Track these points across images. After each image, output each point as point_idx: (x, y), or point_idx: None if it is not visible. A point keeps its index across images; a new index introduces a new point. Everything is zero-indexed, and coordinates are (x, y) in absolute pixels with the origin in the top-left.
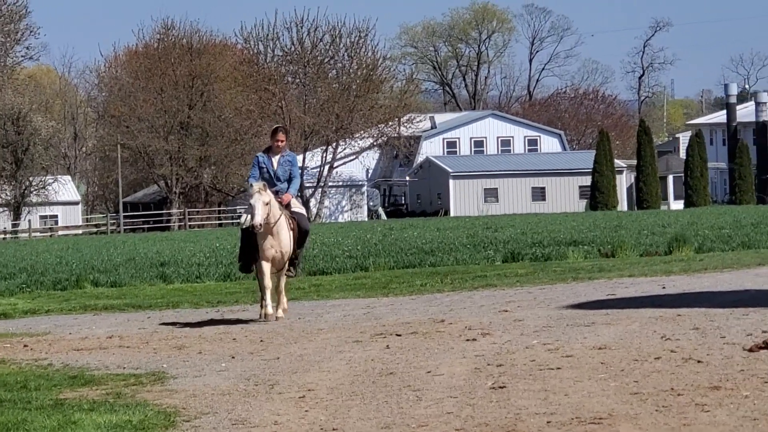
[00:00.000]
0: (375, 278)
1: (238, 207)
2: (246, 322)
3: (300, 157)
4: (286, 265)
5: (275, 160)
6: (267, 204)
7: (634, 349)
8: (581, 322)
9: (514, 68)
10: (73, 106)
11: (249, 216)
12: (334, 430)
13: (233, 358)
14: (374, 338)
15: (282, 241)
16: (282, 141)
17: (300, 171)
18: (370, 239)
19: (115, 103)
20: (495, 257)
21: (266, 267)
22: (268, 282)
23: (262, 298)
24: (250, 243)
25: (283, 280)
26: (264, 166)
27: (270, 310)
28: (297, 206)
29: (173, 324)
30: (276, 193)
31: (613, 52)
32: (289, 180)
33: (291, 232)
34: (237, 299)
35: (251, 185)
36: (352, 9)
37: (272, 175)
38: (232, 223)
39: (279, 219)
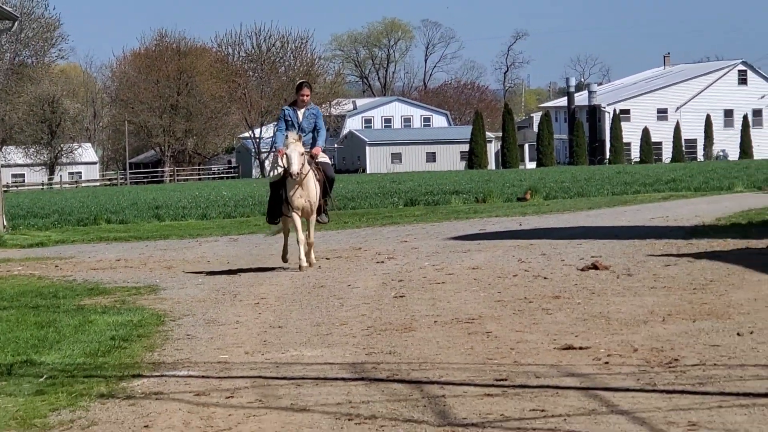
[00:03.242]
0: None
1: (212, 166)
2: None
3: (257, 131)
4: (314, 214)
5: (300, 113)
6: (302, 154)
7: (498, 269)
8: (460, 249)
9: (413, 65)
10: (93, 92)
11: (279, 168)
12: (279, 326)
13: (207, 275)
14: None
15: (310, 191)
16: (307, 95)
17: (324, 123)
18: None
19: (123, 91)
20: (398, 203)
21: (296, 217)
22: (298, 224)
23: (285, 246)
24: (278, 195)
25: (312, 230)
26: (290, 118)
27: (304, 261)
28: (322, 156)
29: (164, 250)
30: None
31: (486, 55)
32: (314, 132)
33: (318, 183)
34: (211, 233)
35: (286, 136)
36: (296, 22)
37: (297, 126)
38: (210, 177)
39: (307, 171)
